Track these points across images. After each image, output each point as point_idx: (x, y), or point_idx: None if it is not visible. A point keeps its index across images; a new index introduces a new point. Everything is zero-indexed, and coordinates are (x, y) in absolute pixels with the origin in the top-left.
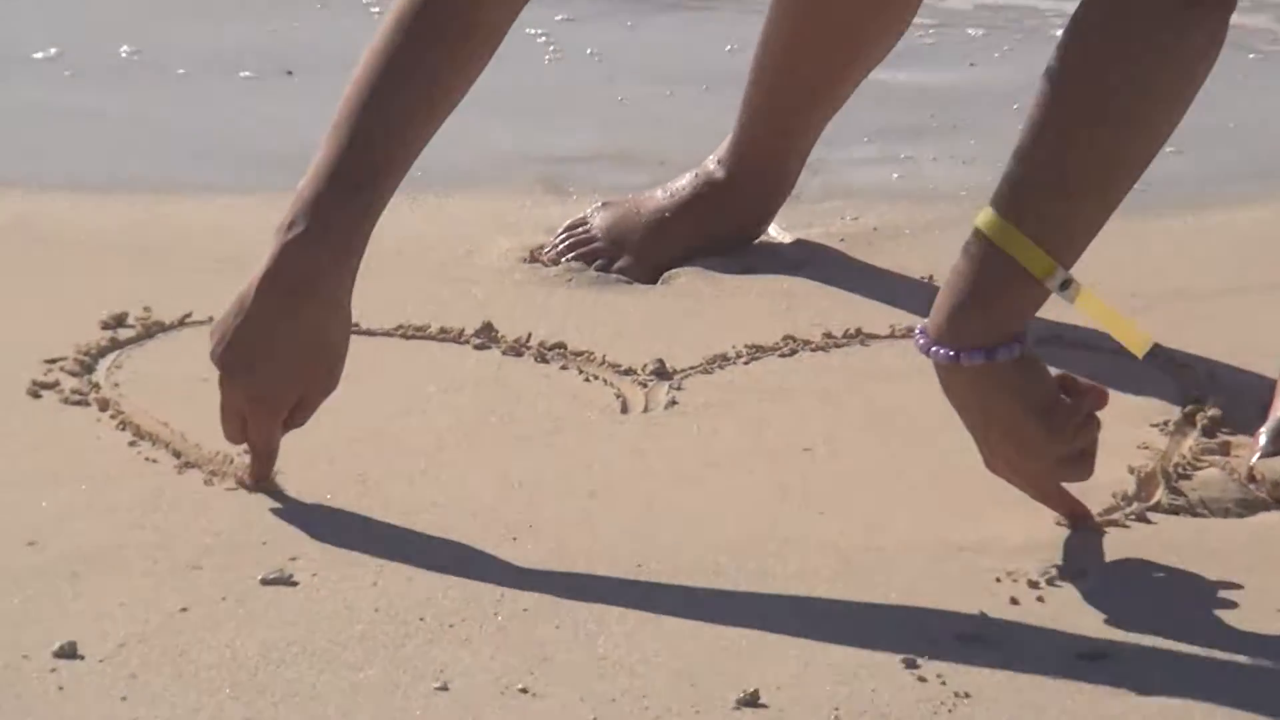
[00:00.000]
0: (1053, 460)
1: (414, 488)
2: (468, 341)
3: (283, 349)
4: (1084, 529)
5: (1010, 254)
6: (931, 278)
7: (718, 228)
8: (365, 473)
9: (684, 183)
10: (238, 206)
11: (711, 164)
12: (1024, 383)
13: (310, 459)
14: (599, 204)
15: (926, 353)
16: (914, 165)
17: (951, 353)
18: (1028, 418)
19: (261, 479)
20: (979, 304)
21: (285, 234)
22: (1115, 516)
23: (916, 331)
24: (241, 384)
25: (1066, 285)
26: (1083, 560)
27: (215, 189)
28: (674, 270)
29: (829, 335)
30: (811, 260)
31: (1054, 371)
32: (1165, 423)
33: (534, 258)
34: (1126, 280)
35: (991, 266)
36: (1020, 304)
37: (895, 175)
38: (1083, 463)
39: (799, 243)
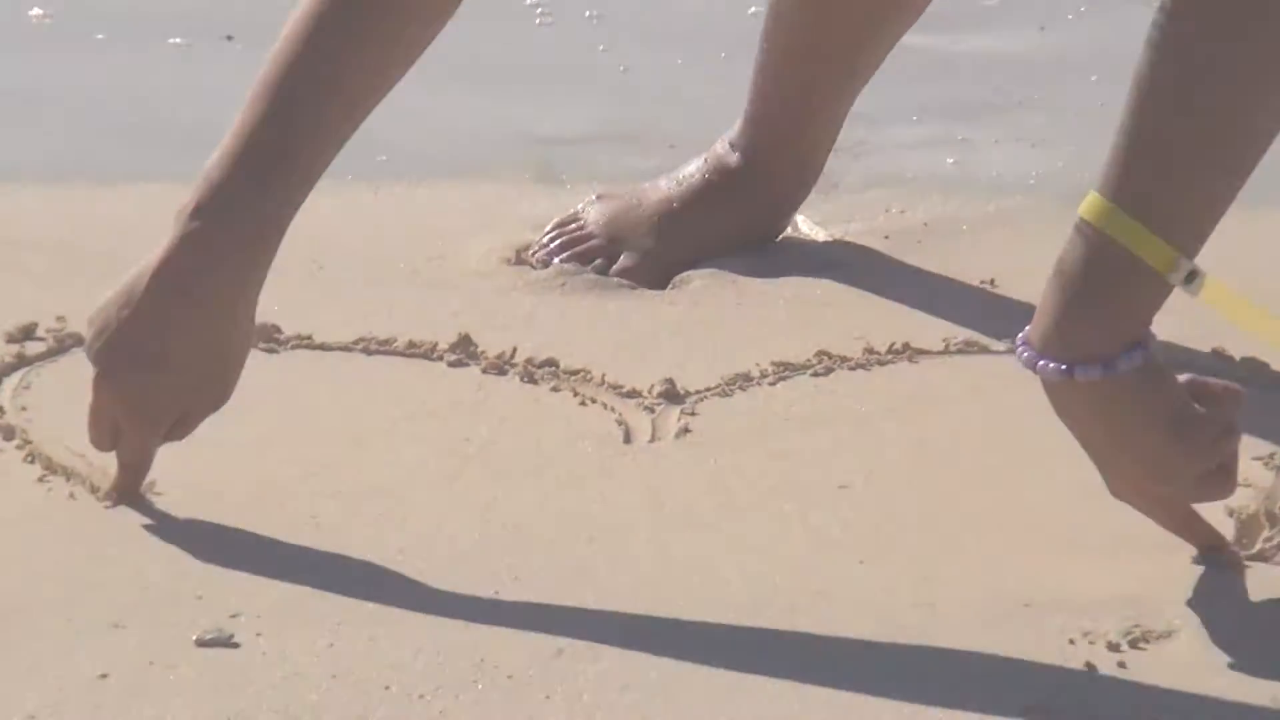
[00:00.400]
0: (1190, 480)
1: (377, 532)
2: (441, 358)
3: (172, 355)
4: (1224, 563)
5: (1124, 245)
6: (993, 282)
7: (735, 222)
8: (320, 514)
9: (692, 169)
10: (168, 196)
11: (722, 147)
12: (1150, 394)
13: (255, 497)
14: (593, 197)
15: (1032, 368)
16: (973, 148)
17: (1064, 366)
18: (1158, 435)
19: (128, 493)
20: (1091, 307)
21: (187, 221)
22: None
23: (1018, 343)
24: (119, 388)
25: (1191, 278)
26: (1173, 617)
27: (142, 175)
28: (685, 273)
29: (870, 351)
30: (850, 261)
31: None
32: (1270, 456)
33: (520, 258)
34: (1229, 281)
35: (1103, 261)
36: (1140, 303)
37: (950, 160)
38: (1223, 480)
39: (835, 240)
